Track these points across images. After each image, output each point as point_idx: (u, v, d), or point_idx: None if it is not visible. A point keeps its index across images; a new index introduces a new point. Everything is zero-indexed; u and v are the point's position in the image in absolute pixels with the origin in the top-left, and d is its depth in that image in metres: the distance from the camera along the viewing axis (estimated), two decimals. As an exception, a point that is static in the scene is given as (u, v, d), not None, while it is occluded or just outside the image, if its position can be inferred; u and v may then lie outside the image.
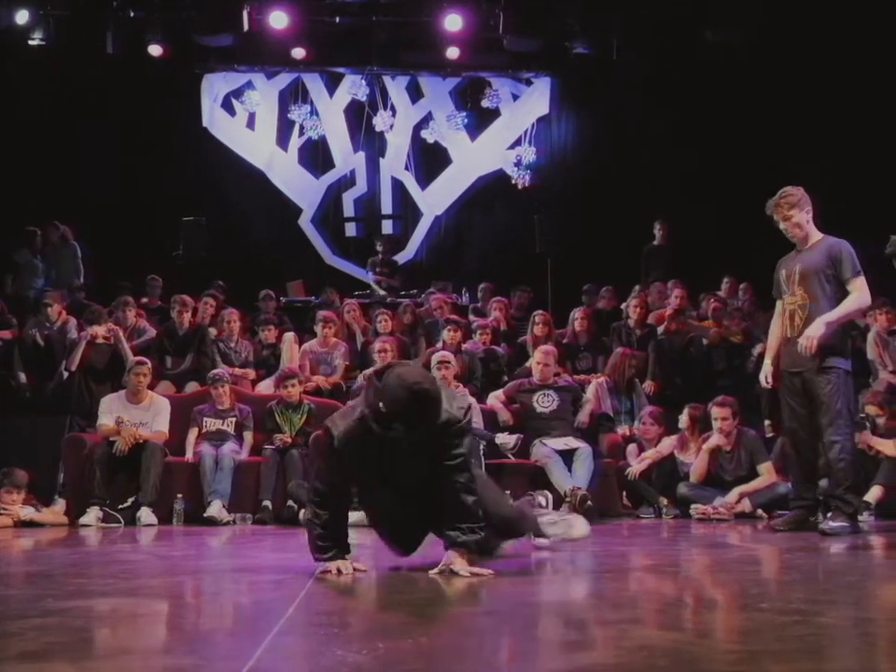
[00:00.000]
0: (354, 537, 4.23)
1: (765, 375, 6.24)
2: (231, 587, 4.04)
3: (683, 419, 7.86)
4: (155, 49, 12.93)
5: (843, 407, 5.87)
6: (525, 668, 2.41)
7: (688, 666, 2.34)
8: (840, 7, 11.59)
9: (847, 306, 5.85)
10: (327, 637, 2.77)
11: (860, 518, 6.28)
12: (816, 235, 6.07)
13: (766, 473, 7.34)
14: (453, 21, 12.85)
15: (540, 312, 9.87)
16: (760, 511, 7.20)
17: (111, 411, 7.80)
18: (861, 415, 7.06)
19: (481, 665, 2.49)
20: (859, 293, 5.86)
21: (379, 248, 13.22)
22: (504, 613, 3.27)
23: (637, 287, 11.38)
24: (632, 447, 8.09)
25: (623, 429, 8.50)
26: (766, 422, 8.62)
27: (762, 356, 9.02)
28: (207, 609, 3.56)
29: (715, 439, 7.50)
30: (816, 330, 5.76)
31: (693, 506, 7.32)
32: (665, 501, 7.63)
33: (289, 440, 7.80)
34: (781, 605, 3.27)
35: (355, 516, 6.92)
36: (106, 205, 12.85)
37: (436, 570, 3.96)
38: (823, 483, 6.53)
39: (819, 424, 5.93)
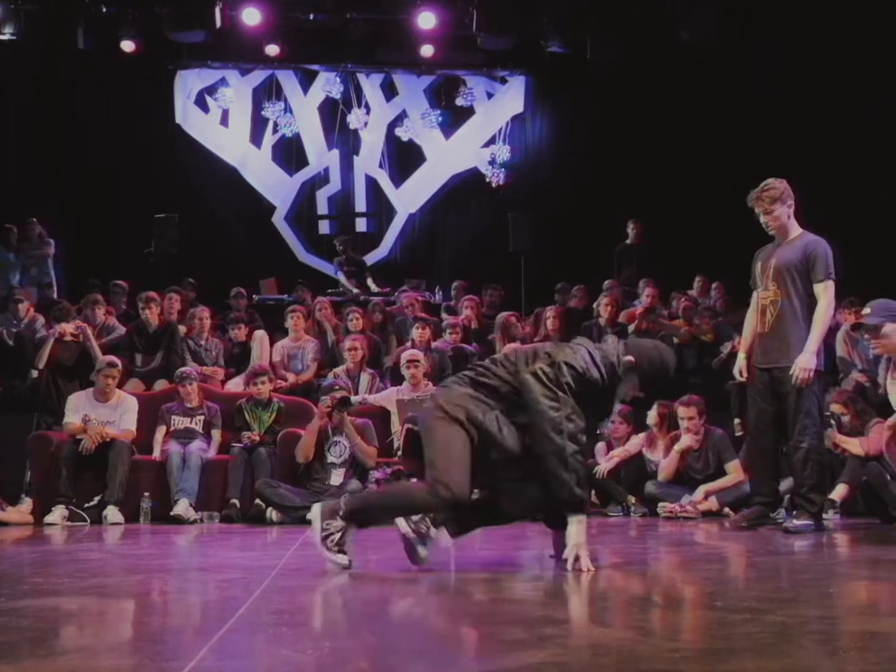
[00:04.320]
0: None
1: (739, 369, 6.22)
2: (189, 586, 4.03)
3: (652, 416, 7.87)
4: (127, 45, 12.83)
5: (812, 407, 5.89)
6: (466, 667, 2.41)
7: (630, 665, 2.34)
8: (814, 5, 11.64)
9: (821, 324, 5.84)
10: (275, 636, 2.76)
11: (824, 516, 6.31)
12: (795, 230, 6.05)
13: (734, 472, 7.35)
14: (426, 19, 12.83)
15: (511, 312, 9.89)
16: (727, 510, 7.21)
17: (78, 409, 7.75)
18: (827, 413, 7.09)
19: (424, 663, 2.48)
20: (826, 301, 5.85)
21: (340, 248, 13.15)
22: (456, 612, 3.27)
23: (606, 283, 11.39)
24: (601, 445, 8.09)
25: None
26: (736, 420, 8.65)
27: (731, 354, 9.12)
28: (159, 608, 3.54)
29: (686, 440, 7.50)
30: (808, 362, 5.75)
31: (660, 504, 7.32)
32: (633, 499, 7.64)
33: (258, 437, 7.76)
34: (734, 603, 3.28)
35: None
36: (78, 202, 12.77)
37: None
38: (787, 481, 6.58)
39: (785, 421, 5.96)
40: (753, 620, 2.88)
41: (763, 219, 6.04)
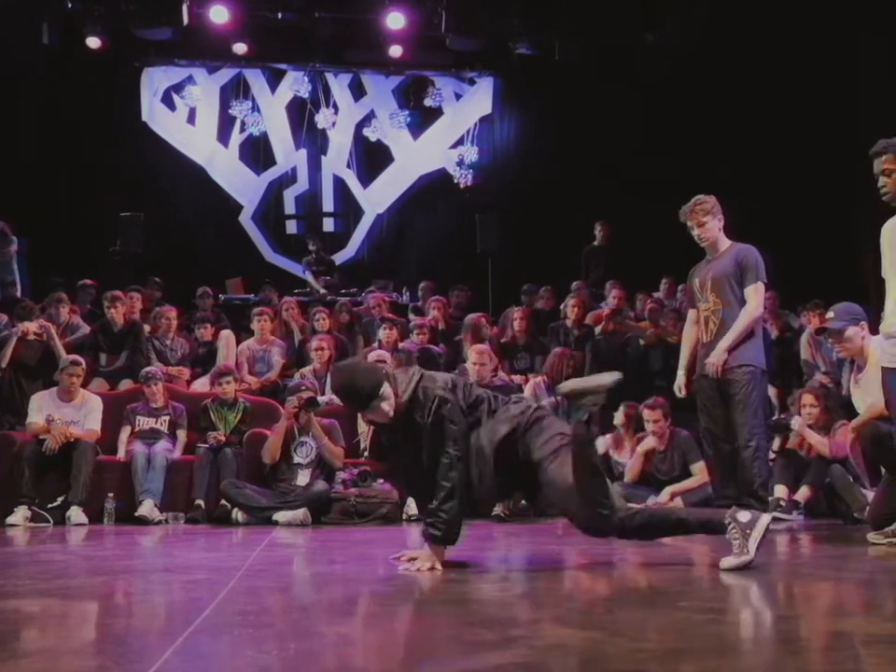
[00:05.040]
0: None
1: (678, 386, 6.39)
2: (154, 587, 3.99)
3: (618, 417, 7.91)
4: (93, 42, 12.72)
5: (758, 405, 6.07)
6: (432, 668, 2.40)
7: (595, 665, 2.35)
8: (780, 11, 11.74)
9: (740, 325, 6.03)
10: (241, 637, 2.74)
11: (788, 517, 6.38)
12: (725, 243, 6.27)
13: (699, 473, 7.39)
14: (395, 20, 12.82)
15: (479, 314, 9.90)
16: (692, 510, 7.24)
17: (42, 409, 7.67)
18: (782, 416, 7.18)
19: (390, 664, 2.48)
20: (755, 303, 6.04)
21: (312, 247, 13.12)
22: (422, 613, 3.27)
23: (574, 284, 11.42)
24: (567, 446, 8.09)
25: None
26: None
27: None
28: (124, 609, 3.50)
29: (650, 441, 7.55)
30: (720, 358, 5.99)
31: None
32: (599, 500, 7.66)
33: (223, 438, 7.73)
34: (700, 603, 3.29)
35: (288, 515, 6.96)
36: (42, 200, 12.63)
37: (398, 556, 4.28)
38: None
39: (734, 422, 6.06)
40: (717, 620, 2.90)
41: (695, 233, 6.25)
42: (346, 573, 4.34)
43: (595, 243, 12.58)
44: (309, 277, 12.86)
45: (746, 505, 5.94)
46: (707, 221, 6.14)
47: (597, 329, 10.00)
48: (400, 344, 9.30)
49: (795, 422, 6.91)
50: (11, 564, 5.01)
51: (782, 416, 7.43)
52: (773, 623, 2.98)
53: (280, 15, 13.16)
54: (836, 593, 3.73)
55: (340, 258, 13.98)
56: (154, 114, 14.09)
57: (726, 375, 6.03)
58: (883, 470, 5.89)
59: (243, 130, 14.33)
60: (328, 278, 12.74)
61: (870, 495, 6.51)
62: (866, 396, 5.59)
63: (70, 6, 12.44)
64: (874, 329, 5.40)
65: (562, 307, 10.60)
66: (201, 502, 7.48)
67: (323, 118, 14.30)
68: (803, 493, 6.78)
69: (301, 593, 3.85)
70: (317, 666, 2.36)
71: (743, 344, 6.00)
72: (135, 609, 3.47)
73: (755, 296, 6.03)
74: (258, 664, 2.36)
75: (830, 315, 5.77)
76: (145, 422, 7.99)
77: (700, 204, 6.15)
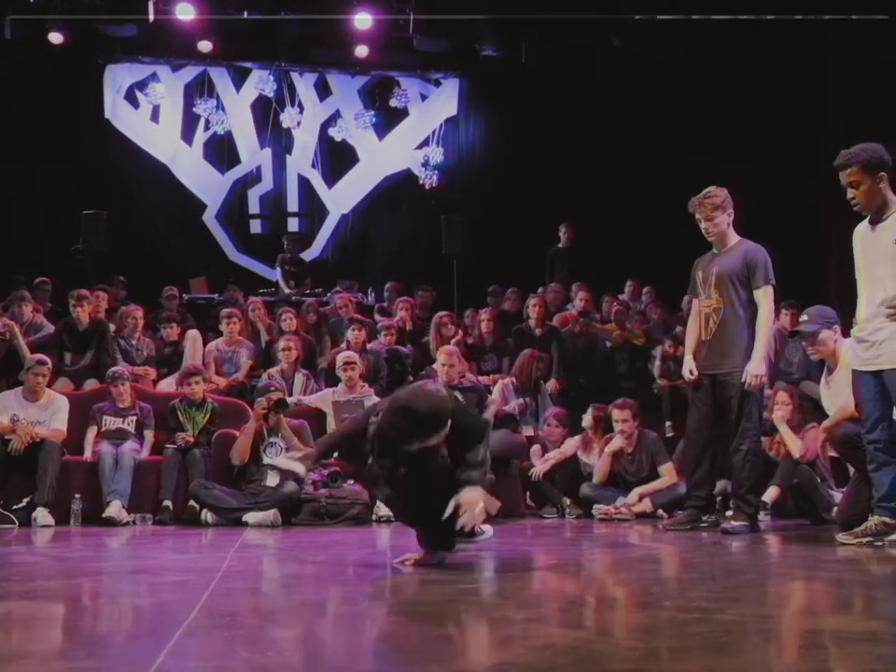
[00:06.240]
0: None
1: (689, 369, 6.26)
2: (132, 589, 3.96)
3: (587, 419, 7.94)
4: (55, 37, 12.55)
5: (753, 410, 6.02)
6: (433, 668, 2.41)
7: (591, 665, 2.37)
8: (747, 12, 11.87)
9: (764, 329, 5.99)
10: (232, 638, 2.74)
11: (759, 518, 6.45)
12: (733, 238, 6.17)
13: (667, 474, 7.46)
14: (363, 21, 12.78)
15: (445, 313, 9.91)
16: (661, 511, 7.31)
17: (7, 408, 7.55)
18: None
19: (386, 665, 2.48)
20: (767, 307, 6.00)
21: (287, 247, 13.08)
22: (412, 613, 3.27)
23: (540, 290, 11.49)
24: (536, 448, 8.14)
25: (527, 430, 8.56)
26: (667, 423, 8.81)
27: (663, 357, 9.27)
28: (106, 612, 3.48)
29: (617, 441, 7.59)
30: (758, 369, 5.89)
31: (595, 506, 7.40)
32: (567, 501, 7.72)
33: (192, 438, 7.67)
34: (683, 603, 3.33)
35: (258, 517, 6.93)
36: (4, 196, 12.48)
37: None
38: (721, 483, 6.71)
39: (725, 425, 6.07)
40: (704, 619, 2.93)
41: (703, 226, 6.15)
42: (325, 574, 4.33)
43: (560, 244, 12.63)
44: (279, 276, 12.79)
45: (735, 507, 6.07)
46: (716, 216, 6.06)
47: (563, 331, 10.05)
48: (368, 345, 9.30)
49: (775, 414, 6.93)
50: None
51: None
52: (757, 621, 3.01)
53: (246, 14, 13.06)
54: (814, 591, 3.80)
55: (304, 257, 13.90)
56: (117, 111, 13.92)
57: (722, 378, 6.04)
58: (851, 471, 5.99)
59: (207, 128, 14.19)
60: (299, 278, 12.66)
61: (836, 495, 6.62)
62: (836, 398, 5.66)
63: (32, 0, 12.25)
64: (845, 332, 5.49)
65: (524, 308, 10.60)
66: (169, 503, 7.41)
67: (288, 117, 14.22)
68: (771, 493, 6.84)
69: (284, 594, 3.84)
70: (317, 667, 2.36)
71: (744, 347, 5.95)
72: (120, 612, 3.45)
73: (766, 299, 5.97)
74: (255, 664, 2.36)
75: (804, 318, 5.84)
76: (111, 422, 7.90)
77: (709, 198, 6.07)
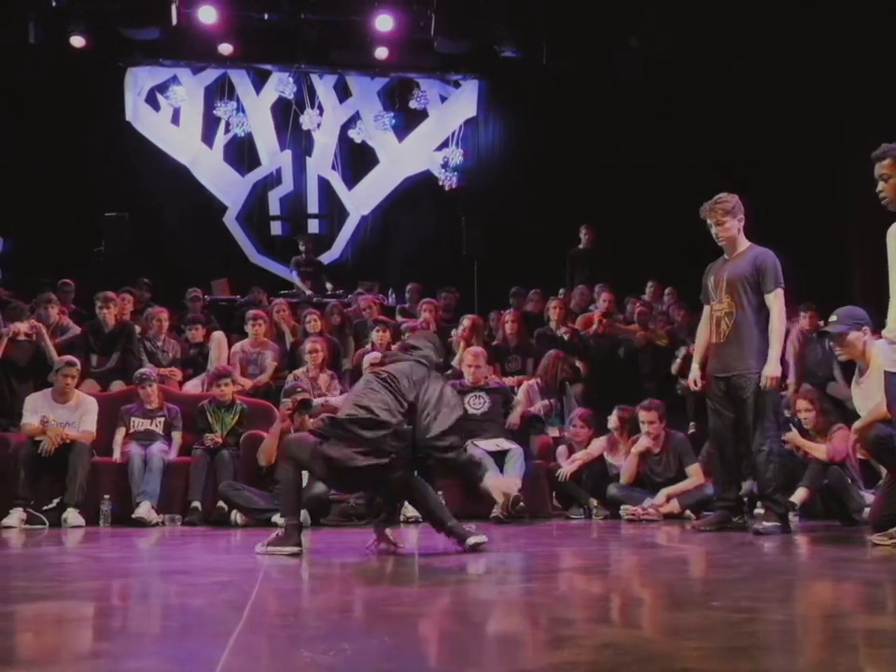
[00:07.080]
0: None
1: (694, 378, 6.38)
2: (178, 589, 3.97)
3: (612, 421, 7.94)
4: (77, 41, 12.62)
5: (770, 410, 6.05)
6: (496, 667, 2.42)
7: (655, 664, 2.38)
8: (765, 13, 11.86)
9: (777, 332, 6.02)
10: (289, 638, 2.75)
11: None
12: (744, 244, 6.24)
13: (694, 475, 7.47)
14: (384, 22, 12.80)
15: (477, 315, 9.92)
16: (688, 512, 7.32)
17: (36, 410, 7.59)
18: (787, 416, 7.22)
19: (447, 663, 2.49)
20: (778, 310, 6.04)
21: (302, 248, 13.09)
22: (465, 613, 3.28)
23: (561, 291, 11.49)
24: (562, 449, 8.14)
25: (553, 431, 8.56)
26: (691, 423, 8.79)
27: (686, 357, 9.25)
28: (160, 612, 3.49)
29: (643, 441, 7.59)
30: (774, 371, 5.93)
31: (622, 507, 7.41)
32: (594, 502, 7.70)
33: (220, 439, 7.70)
34: (730, 603, 3.33)
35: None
36: (25, 199, 12.54)
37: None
38: (746, 484, 6.71)
39: (744, 426, 6.09)
40: (756, 619, 2.94)
41: (713, 231, 6.23)
42: (363, 574, 4.34)
43: (580, 246, 12.62)
44: (295, 278, 12.82)
45: (765, 508, 6.08)
46: (726, 221, 6.13)
47: (585, 332, 10.05)
48: (393, 346, 9.29)
49: (788, 436, 6.94)
50: (14, 567, 4.98)
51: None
52: (812, 621, 3.01)
53: (267, 16, 13.12)
54: (861, 592, 3.78)
55: (324, 259, 13.90)
56: (138, 114, 14.01)
57: (736, 380, 6.07)
58: (883, 472, 5.98)
59: (227, 130, 14.26)
60: (315, 280, 12.68)
61: (866, 496, 6.61)
62: (867, 399, 5.64)
63: (55, 4, 12.31)
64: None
65: (545, 311, 10.60)
66: (197, 504, 7.44)
67: (308, 119, 14.27)
68: (799, 495, 6.82)
69: (330, 594, 3.85)
70: (378, 666, 2.37)
71: (758, 349, 6.00)
72: (174, 612, 3.46)
73: (777, 302, 6.02)
74: (319, 664, 2.37)
75: (833, 318, 5.83)
76: (140, 423, 7.94)
77: (720, 203, 6.14)
